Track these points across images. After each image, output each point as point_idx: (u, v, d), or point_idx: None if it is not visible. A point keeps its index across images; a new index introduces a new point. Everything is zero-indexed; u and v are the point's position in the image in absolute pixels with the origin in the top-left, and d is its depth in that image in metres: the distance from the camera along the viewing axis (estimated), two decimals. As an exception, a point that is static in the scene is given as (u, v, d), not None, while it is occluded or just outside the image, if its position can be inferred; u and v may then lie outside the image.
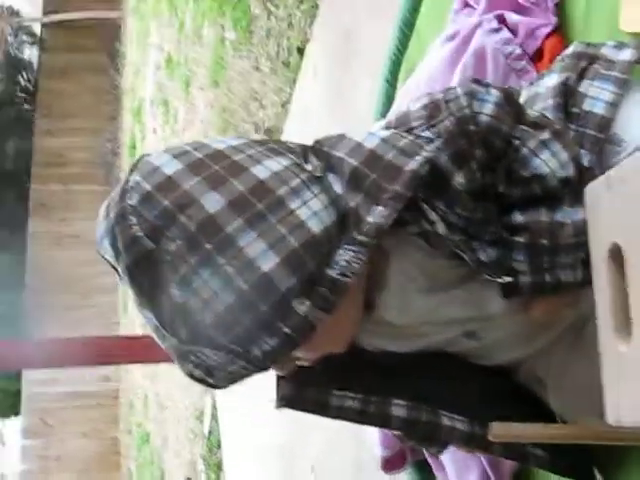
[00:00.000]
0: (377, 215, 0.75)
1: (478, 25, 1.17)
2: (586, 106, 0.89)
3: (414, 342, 0.92)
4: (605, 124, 0.87)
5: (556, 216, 0.81)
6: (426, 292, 0.86)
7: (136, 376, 6.48)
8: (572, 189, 0.81)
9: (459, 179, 0.79)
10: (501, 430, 0.79)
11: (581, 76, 0.92)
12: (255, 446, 3.07)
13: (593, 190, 0.69)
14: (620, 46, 0.93)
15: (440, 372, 0.94)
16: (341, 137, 0.83)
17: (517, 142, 0.81)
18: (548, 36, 1.12)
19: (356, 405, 0.90)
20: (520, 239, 0.81)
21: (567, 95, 0.91)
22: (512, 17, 1.15)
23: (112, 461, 7.56)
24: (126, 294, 7.04)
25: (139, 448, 6.27)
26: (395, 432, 1.01)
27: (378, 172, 0.77)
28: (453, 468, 1.20)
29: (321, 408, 0.90)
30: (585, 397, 0.87)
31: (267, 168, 0.77)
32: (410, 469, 1.34)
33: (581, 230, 0.78)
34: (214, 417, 3.80)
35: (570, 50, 0.97)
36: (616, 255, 0.65)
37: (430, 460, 1.29)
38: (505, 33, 1.14)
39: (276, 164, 0.77)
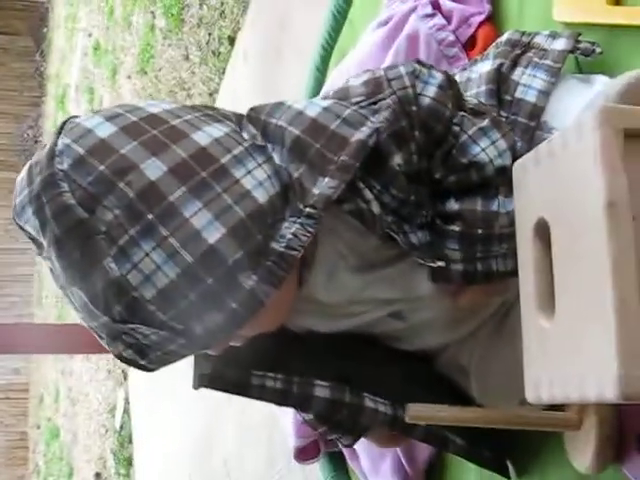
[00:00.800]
0: (324, 186, 0.72)
1: (412, 10, 1.16)
2: (518, 94, 0.89)
3: (341, 322, 0.90)
4: (536, 112, 0.87)
5: (492, 206, 0.80)
6: (356, 271, 0.84)
7: (48, 370, 6.32)
8: (508, 178, 0.79)
9: (398, 160, 0.77)
10: (417, 412, 0.78)
11: (514, 63, 0.92)
12: (167, 441, 3.02)
13: (521, 165, 0.69)
14: (554, 35, 0.94)
15: (363, 356, 0.92)
16: (279, 104, 0.79)
17: (457, 128, 0.80)
18: (481, 24, 1.12)
19: (278, 385, 0.87)
20: (455, 228, 0.80)
21: (500, 82, 0.91)
22: (446, 3, 1.14)
23: (19, 456, 7.36)
24: (42, 285, 6.88)
25: (48, 443, 6.12)
26: (312, 418, 0.98)
27: (322, 141, 0.74)
28: (367, 457, 1.19)
29: (242, 387, 0.87)
30: (506, 385, 0.87)
31: (208, 134, 0.73)
32: (323, 459, 1.33)
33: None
34: (126, 411, 3.73)
35: (504, 37, 0.97)
36: (542, 230, 0.64)
37: (344, 450, 1.27)
38: (439, 19, 1.13)
39: (217, 131, 0.74)
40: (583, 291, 0.57)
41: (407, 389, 0.93)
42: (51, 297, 5.93)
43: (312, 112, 0.77)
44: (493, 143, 0.80)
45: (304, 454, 1.30)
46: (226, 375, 0.86)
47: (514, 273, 0.79)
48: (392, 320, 0.90)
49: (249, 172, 0.72)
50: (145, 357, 0.72)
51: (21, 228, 0.74)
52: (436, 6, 1.15)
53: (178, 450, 2.86)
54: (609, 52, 0.90)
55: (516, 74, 0.91)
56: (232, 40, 2.71)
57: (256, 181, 0.71)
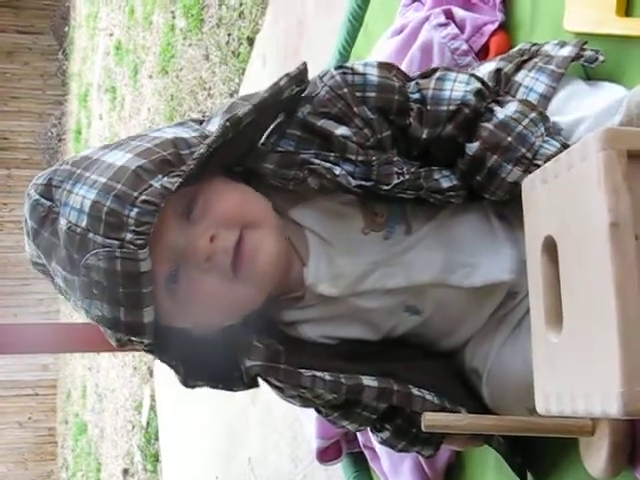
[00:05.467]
0: (233, 112, 0.82)
1: (426, 19, 1.17)
2: (519, 95, 0.92)
3: (357, 321, 0.92)
4: None
5: (499, 118, 0.85)
6: (349, 256, 0.88)
7: (75, 366, 6.40)
8: (492, 98, 0.87)
9: (341, 131, 0.85)
10: (433, 421, 0.80)
11: (519, 67, 0.95)
12: (193, 438, 3.05)
13: (529, 183, 0.70)
14: (562, 44, 0.96)
15: (402, 357, 0.94)
16: None
17: (416, 95, 0.87)
18: (494, 33, 1.13)
19: (327, 377, 0.88)
20: (490, 159, 0.84)
21: (499, 81, 0.94)
22: (459, 13, 1.16)
23: (48, 452, 7.46)
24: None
25: (76, 439, 6.20)
26: (388, 436, 0.97)
27: (252, 98, 0.84)
28: (387, 458, 1.21)
29: (294, 376, 0.87)
30: (516, 394, 0.88)
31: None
32: (345, 460, 1.35)
33: (528, 109, 0.85)
34: (152, 408, 3.77)
35: (516, 48, 1.00)
36: (549, 248, 0.65)
37: (365, 451, 1.30)
38: (452, 28, 1.14)
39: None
40: (588, 309, 0.59)
41: (449, 383, 0.95)
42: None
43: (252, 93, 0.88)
44: (455, 80, 0.87)
45: (326, 455, 1.33)
46: (276, 367, 0.87)
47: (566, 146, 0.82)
48: (408, 315, 0.92)
49: (164, 130, 0.83)
50: (113, 303, 0.78)
51: (34, 263, 0.86)
52: (449, 15, 1.16)
53: (204, 447, 2.90)
54: (618, 62, 0.92)
55: (519, 76, 0.94)
56: (251, 41, 2.73)
57: (170, 132, 0.83)
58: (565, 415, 0.62)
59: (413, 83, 0.88)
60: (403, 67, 1.16)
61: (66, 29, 7.42)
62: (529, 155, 0.83)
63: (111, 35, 5.30)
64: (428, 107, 0.86)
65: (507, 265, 0.90)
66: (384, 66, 0.89)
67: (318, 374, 0.87)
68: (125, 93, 4.81)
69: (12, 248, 7.18)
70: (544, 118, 0.86)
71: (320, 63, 1.83)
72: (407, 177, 0.85)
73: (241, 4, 2.86)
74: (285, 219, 0.89)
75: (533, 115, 0.85)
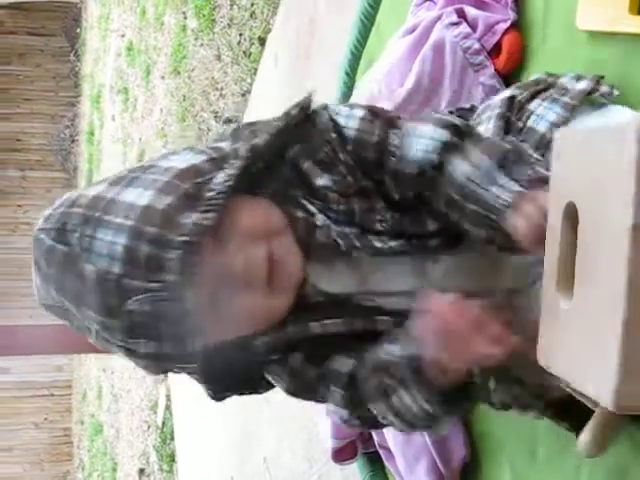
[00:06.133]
0: (253, 141, 0.82)
1: (438, 18, 1.17)
2: (530, 122, 0.93)
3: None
4: (543, 142, 0.90)
5: (455, 179, 0.81)
6: (348, 262, 0.88)
7: (90, 367, 6.42)
8: (465, 142, 0.83)
9: (322, 181, 0.85)
10: None
11: (534, 96, 0.96)
12: (208, 437, 3.06)
13: (563, 137, 0.69)
14: (578, 77, 0.97)
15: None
16: None
17: (393, 149, 0.85)
18: (506, 31, 1.13)
19: (340, 321, 0.88)
20: (455, 219, 0.83)
21: (512, 108, 0.94)
22: (471, 11, 1.16)
23: (64, 452, 7.49)
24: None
25: (92, 439, 6.22)
26: None
27: (258, 125, 0.85)
28: (402, 458, 1.22)
29: (303, 328, 0.88)
30: None
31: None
32: (360, 460, 1.36)
33: (481, 160, 0.80)
34: (168, 408, 3.78)
35: (532, 77, 1.01)
36: (571, 214, 0.65)
37: (380, 450, 1.30)
38: (464, 27, 1.15)
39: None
40: (598, 293, 0.59)
41: None
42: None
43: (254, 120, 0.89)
44: (419, 136, 0.84)
45: (342, 455, 1.34)
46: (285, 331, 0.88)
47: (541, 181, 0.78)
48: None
49: (171, 159, 0.82)
50: (160, 340, 0.78)
51: (46, 306, 0.85)
52: (461, 14, 1.16)
53: (219, 447, 2.91)
54: (631, 60, 0.92)
55: (533, 105, 0.94)
56: (262, 41, 2.74)
57: (180, 159, 0.82)
58: (561, 376, 0.63)
59: (392, 133, 0.86)
60: (416, 67, 1.16)
61: (78, 30, 7.45)
62: (485, 213, 0.81)
63: (123, 36, 5.32)
64: (395, 166, 0.85)
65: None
66: (368, 115, 0.86)
67: (328, 321, 0.87)
68: (137, 94, 4.82)
69: (26, 250, 7.17)
70: (501, 161, 0.81)
71: (332, 62, 1.83)
72: (390, 222, 0.85)
73: (252, 4, 2.86)
74: None
75: (485, 165, 0.81)
